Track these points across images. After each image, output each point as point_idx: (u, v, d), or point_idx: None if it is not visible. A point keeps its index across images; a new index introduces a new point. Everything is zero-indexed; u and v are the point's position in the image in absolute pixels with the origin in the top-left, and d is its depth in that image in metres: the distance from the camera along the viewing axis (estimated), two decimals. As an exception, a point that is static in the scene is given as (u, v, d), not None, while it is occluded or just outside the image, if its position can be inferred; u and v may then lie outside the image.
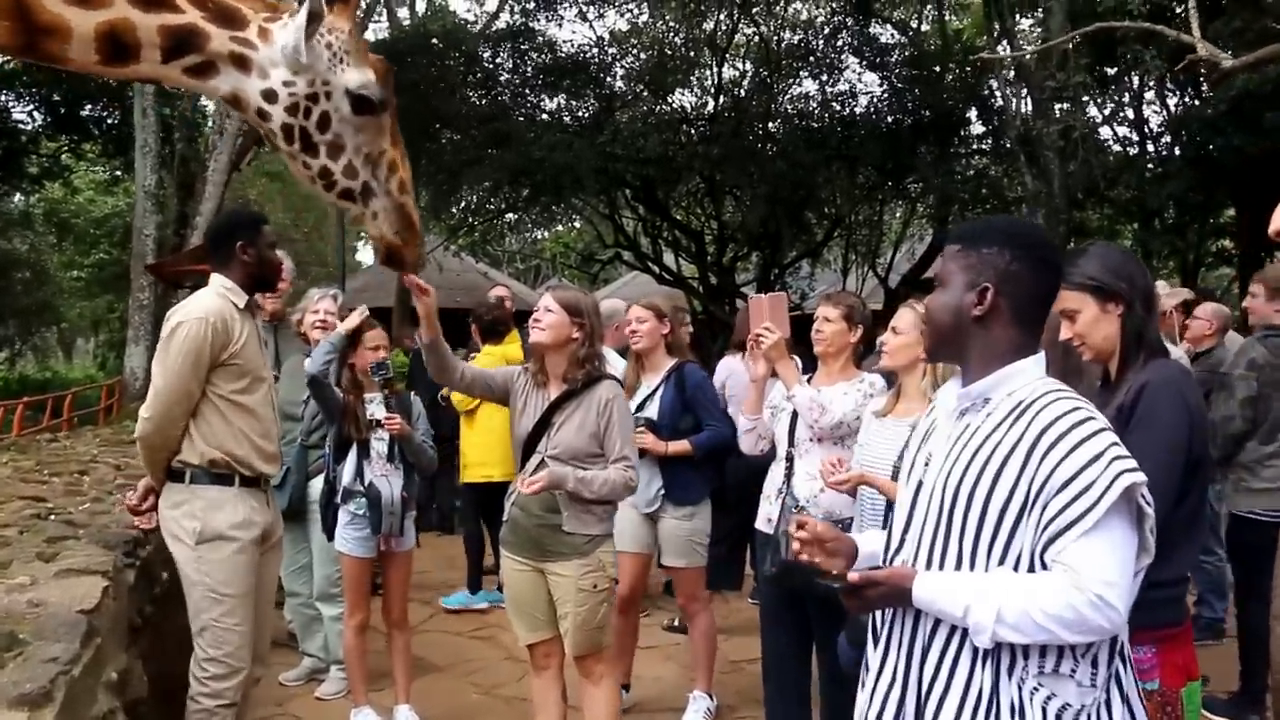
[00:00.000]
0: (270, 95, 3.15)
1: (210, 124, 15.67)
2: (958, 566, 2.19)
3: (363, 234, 35.39)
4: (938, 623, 2.21)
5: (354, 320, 5.22)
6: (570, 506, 4.17)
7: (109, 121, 20.03)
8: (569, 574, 4.18)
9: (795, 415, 4.52)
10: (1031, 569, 2.12)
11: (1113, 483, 2.04)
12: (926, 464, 2.34)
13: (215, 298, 3.86)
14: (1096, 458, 2.06)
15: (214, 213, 13.14)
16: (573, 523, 4.17)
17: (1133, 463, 2.09)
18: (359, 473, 5.07)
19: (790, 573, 4.11)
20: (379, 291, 22.00)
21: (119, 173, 21.24)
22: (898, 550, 2.35)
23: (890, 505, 3.86)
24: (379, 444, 5.13)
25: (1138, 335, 2.98)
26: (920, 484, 2.33)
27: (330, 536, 5.18)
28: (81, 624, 3.15)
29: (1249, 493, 5.18)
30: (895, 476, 3.76)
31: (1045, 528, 2.09)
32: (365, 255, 36.64)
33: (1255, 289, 5.49)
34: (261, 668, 4.28)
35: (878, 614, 2.38)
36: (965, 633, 2.15)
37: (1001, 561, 2.14)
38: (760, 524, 4.68)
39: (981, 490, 2.16)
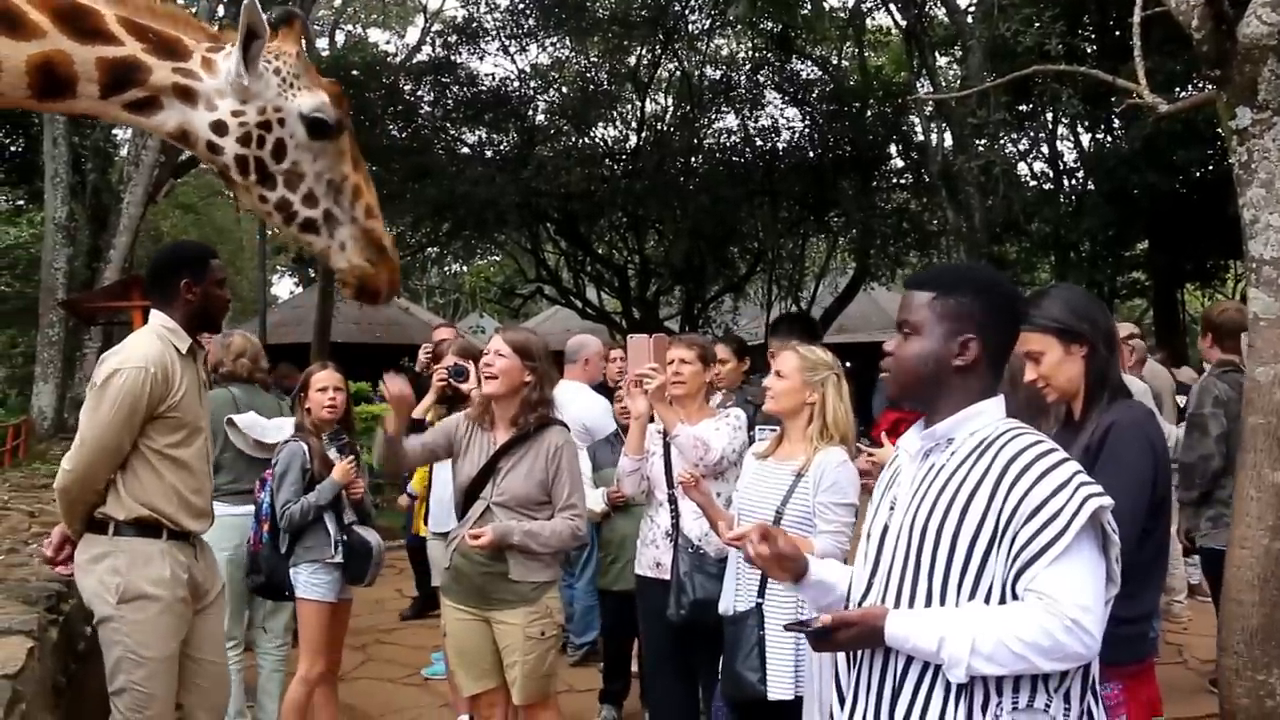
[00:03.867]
0: (219, 127, 3.00)
1: (124, 154, 15.27)
2: (928, 604, 2.17)
3: (281, 268, 34.90)
4: (909, 662, 2.17)
5: (341, 473, 4.84)
6: (516, 554, 4.03)
7: (12, 149, 19.39)
8: (516, 622, 4.04)
9: (668, 457, 4.55)
10: (1003, 601, 2.10)
11: (1080, 507, 2.04)
12: (892, 508, 2.31)
13: (156, 341, 3.54)
14: (1063, 485, 2.07)
15: (128, 246, 12.78)
16: (519, 570, 4.03)
17: (1098, 488, 2.09)
18: (339, 523, 4.84)
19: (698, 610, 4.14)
20: (297, 327, 21.65)
21: (22, 202, 20.46)
22: (865, 593, 2.31)
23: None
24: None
25: (1101, 376, 3.00)
26: (886, 527, 2.30)
27: (282, 594, 4.90)
28: (5, 689, 2.99)
29: (1228, 527, 5.16)
30: (778, 520, 3.79)
31: (1015, 557, 2.08)
32: (281, 289, 36.13)
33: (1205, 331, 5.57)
34: None
35: (843, 657, 2.35)
36: (937, 670, 2.12)
37: (972, 596, 2.12)
38: (644, 569, 4.69)
39: (949, 526, 2.15)
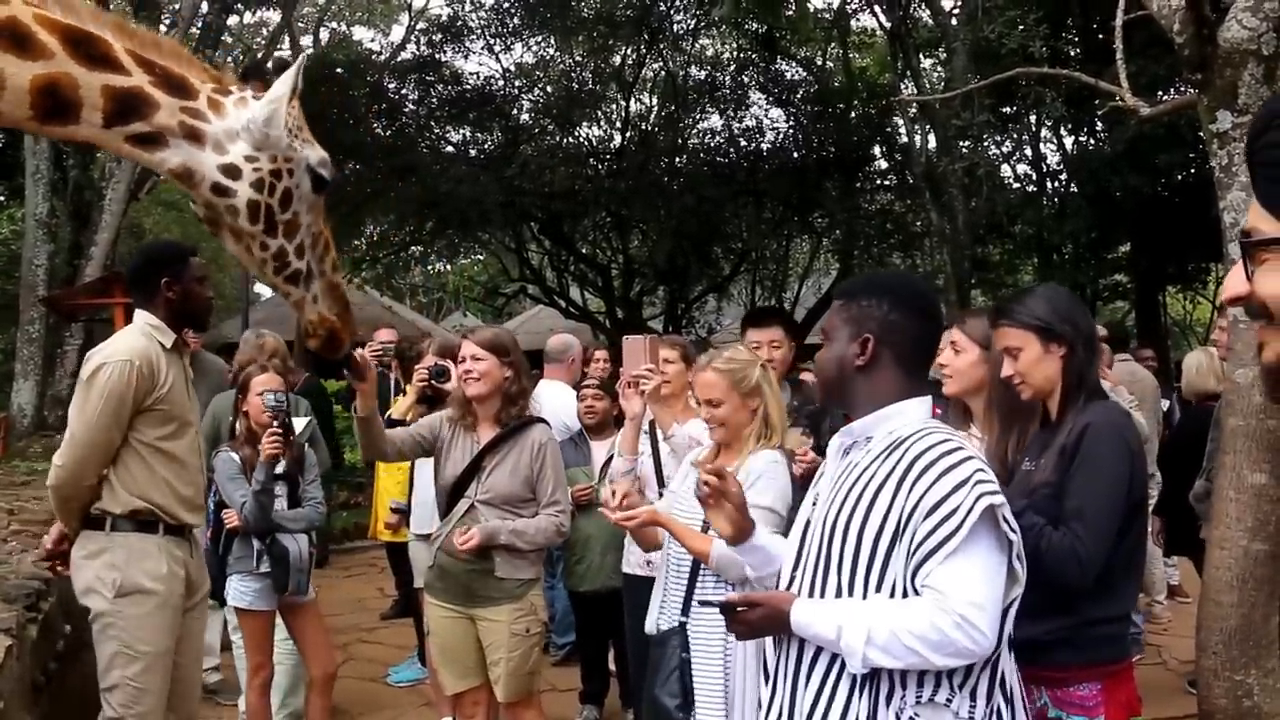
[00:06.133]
0: (232, 171, 2.95)
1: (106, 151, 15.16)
2: (837, 596, 2.22)
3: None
4: (818, 652, 2.23)
5: (265, 454, 4.62)
6: (502, 551, 4.05)
7: (-12, 145, 19.15)
8: (501, 619, 4.07)
9: (657, 456, 4.54)
10: (905, 596, 2.16)
11: (974, 505, 2.09)
12: (814, 504, 2.38)
13: (140, 337, 3.61)
14: (962, 483, 2.12)
15: (110, 243, 12.69)
16: (505, 568, 4.07)
17: (994, 485, 2.14)
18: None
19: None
20: (280, 325, 21.48)
21: (2, 198, 20.22)
22: (788, 586, 2.38)
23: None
24: (278, 500, 4.78)
25: (1079, 377, 3.02)
26: (808, 522, 2.37)
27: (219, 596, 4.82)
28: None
29: None
30: (706, 529, 3.50)
31: (914, 553, 2.13)
32: (264, 287, 35.92)
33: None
34: None
35: (769, 646, 2.41)
36: (844, 661, 2.17)
37: (878, 590, 2.17)
38: (633, 567, 4.74)
39: (856, 521, 2.21)
